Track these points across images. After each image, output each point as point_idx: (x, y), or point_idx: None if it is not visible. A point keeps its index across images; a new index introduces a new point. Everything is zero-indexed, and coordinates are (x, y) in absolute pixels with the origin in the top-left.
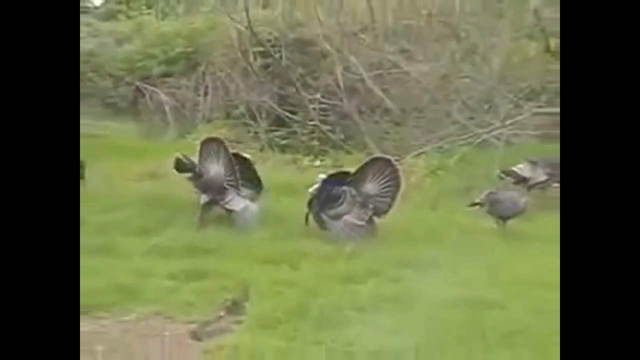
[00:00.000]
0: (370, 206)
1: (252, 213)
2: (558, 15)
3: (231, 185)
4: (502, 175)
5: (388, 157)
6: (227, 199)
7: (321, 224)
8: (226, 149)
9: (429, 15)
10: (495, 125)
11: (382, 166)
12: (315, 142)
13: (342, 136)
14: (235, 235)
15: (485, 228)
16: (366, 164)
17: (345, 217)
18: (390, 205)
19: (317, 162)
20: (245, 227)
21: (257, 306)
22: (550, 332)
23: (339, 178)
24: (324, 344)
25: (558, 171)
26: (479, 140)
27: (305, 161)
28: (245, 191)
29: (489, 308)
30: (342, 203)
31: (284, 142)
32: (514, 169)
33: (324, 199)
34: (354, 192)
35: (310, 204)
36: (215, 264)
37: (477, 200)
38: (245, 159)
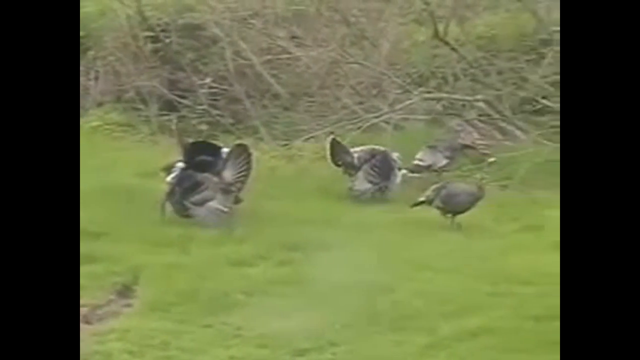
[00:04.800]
0: (233, 192)
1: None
2: (446, 0)
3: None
4: (409, 174)
5: (245, 143)
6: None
7: (183, 211)
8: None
9: (318, 0)
10: (384, 110)
11: (239, 152)
12: (205, 127)
13: (232, 120)
14: (125, 219)
15: (373, 211)
16: (231, 151)
17: (209, 203)
18: (240, 190)
19: None
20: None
21: (148, 290)
22: (439, 315)
23: (199, 165)
24: (214, 327)
25: (457, 153)
26: (368, 124)
27: None
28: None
29: (379, 291)
30: (205, 189)
31: (174, 126)
32: (416, 162)
33: (188, 186)
34: (215, 178)
35: (170, 193)
36: (106, 248)
37: (422, 198)
38: None
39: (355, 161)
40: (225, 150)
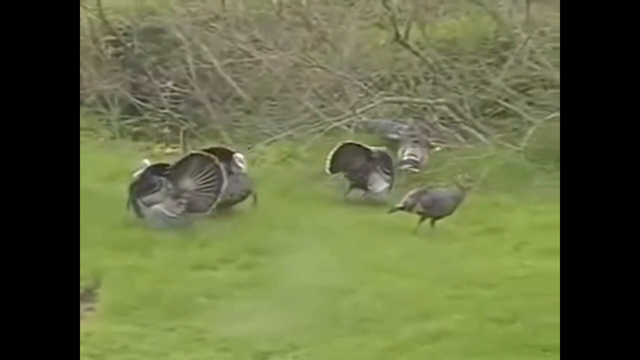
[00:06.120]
0: (184, 200)
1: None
2: (407, 4)
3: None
4: (412, 169)
5: (208, 154)
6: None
7: (137, 209)
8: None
9: (279, 4)
10: (346, 114)
11: (201, 163)
12: (167, 130)
13: (194, 124)
14: (86, 222)
15: (336, 214)
16: (185, 159)
17: (157, 206)
18: (215, 200)
19: (169, 150)
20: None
21: (109, 293)
22: (400, 318)
23: (162, 168)
24: (176, 331)
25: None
26: (329, 128)
27: (157, 148)
28: None
29: (341, 294)
30: (155, 191)
31: (136, 129)
32: (408, 158)
33: (144, 186)
34: (169, 184)
35: (131, 189)
36: None
37: (399, 205)
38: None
39: (369, 163)
40: (238, 155)
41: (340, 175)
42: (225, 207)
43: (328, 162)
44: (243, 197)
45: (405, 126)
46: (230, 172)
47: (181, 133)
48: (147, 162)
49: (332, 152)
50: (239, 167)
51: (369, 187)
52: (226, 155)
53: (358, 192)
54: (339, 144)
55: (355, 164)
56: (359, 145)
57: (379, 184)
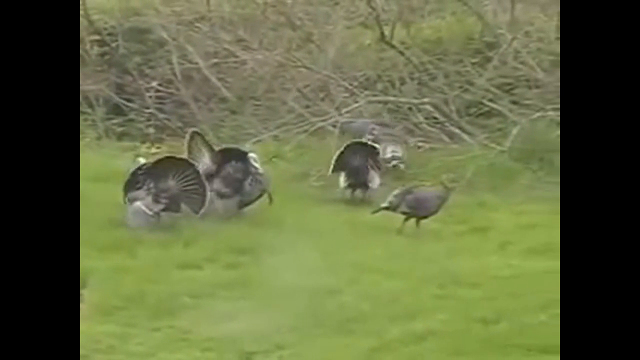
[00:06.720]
0: (163, 200)
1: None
2: (392, 4)
3: None
4: (394, 163)
5: (188, 159)
6: None
7: (124, 204)
8: None
9: (264, 4)
10: (331, 114)
11: (183, 168)
12: (152, 130)
13: (179, 124)
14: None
15: (321, 213)
16: (161, 160)
17: (137, 203)
18: (203, 203)
19: (154, 150)
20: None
21: (95, 294)
22: (386, 318)
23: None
24: (161, 331)
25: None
26: (314, 128)
27: (143, 149)
28: None
29: (326, 294)
30: (139, 188)
31: (120, 129)
32: (393, 154)
33: (133, 183)
34: (151, 183)
35: (124, 186)
36: None
37: (384, 205)
38: None
39: (369, 161)
40: (252, 155)
41: (341, 174)
42: (243, 206)
43: (333, 161)
44: (259, 196)
45: (379, 126)
46: (248, 173)
47: (187, 135)
48: (142, 160)
49: (337, 152)
50: (255, 167)
51: (370, 185)
52: (240, 156)
53: (345, 192)
54: (345, 144)
55: (355, 163)
56: (364, 144)
57: (375, 181)
